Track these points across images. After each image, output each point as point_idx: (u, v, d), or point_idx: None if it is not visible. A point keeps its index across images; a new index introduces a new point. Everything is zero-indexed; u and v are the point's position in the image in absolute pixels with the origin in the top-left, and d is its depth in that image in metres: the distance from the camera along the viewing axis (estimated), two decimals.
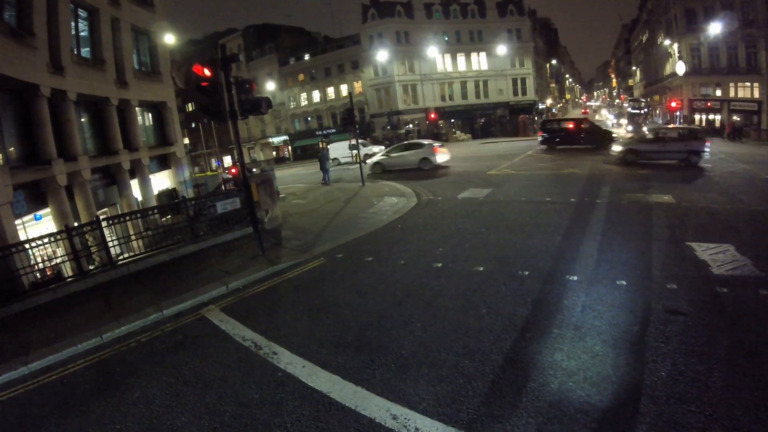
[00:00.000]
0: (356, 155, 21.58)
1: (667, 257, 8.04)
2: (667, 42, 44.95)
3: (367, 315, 6.72)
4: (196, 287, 8.57)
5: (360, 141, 34.21)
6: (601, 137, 26.29)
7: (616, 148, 21.53)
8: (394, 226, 12.28)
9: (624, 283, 6.96)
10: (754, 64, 37.32)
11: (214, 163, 63.01)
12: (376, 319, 6.55)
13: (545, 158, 24.48)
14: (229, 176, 25.56)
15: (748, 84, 38.28)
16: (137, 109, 18.58)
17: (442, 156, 23.43)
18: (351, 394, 4.74)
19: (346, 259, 9.67)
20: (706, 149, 19.68)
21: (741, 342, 5.17)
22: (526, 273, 7.70)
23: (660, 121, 40.08)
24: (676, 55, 41.28)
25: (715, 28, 36.06)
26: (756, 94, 37.66)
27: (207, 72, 9.41)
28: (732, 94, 39.32)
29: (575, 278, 7.29)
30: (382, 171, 23.73)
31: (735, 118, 37.80)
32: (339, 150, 34.91)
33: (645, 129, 37.01)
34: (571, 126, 27.50)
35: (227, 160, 60.72)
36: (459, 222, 11.88)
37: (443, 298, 7.07)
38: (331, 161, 25.06)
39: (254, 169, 28.46)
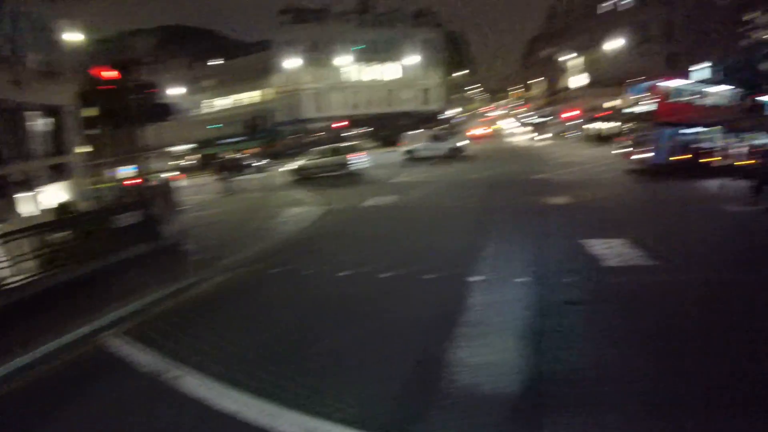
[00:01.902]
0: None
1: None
2: (567, 56, 48.82)
3: (275, 327, 6.66)
4: (94, 311, 7.76)
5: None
6: None
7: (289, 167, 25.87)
8: (302, 235, 12.41)
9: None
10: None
11: (114, 172, 57.71)
12: (284, 331, 6.52)
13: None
14: (128, 187, 24.07)
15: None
16: (31, 113, 16.31)
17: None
18: (262, 412, 4.52)
19: (253, 272, 9.61)
20: (359, 160, 23.71)
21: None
22: (432, 276, 8.04)
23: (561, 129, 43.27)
24: (577, 68, 44.86)
25: (613, 44, 39.44)
26: None
27: (109, 75, 8.71)
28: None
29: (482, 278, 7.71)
30: None
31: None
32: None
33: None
34: None
35: (127, 170, 55.93)
36: (365, 229, 12.35)
37: (352, 304, 7.23)
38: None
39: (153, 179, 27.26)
